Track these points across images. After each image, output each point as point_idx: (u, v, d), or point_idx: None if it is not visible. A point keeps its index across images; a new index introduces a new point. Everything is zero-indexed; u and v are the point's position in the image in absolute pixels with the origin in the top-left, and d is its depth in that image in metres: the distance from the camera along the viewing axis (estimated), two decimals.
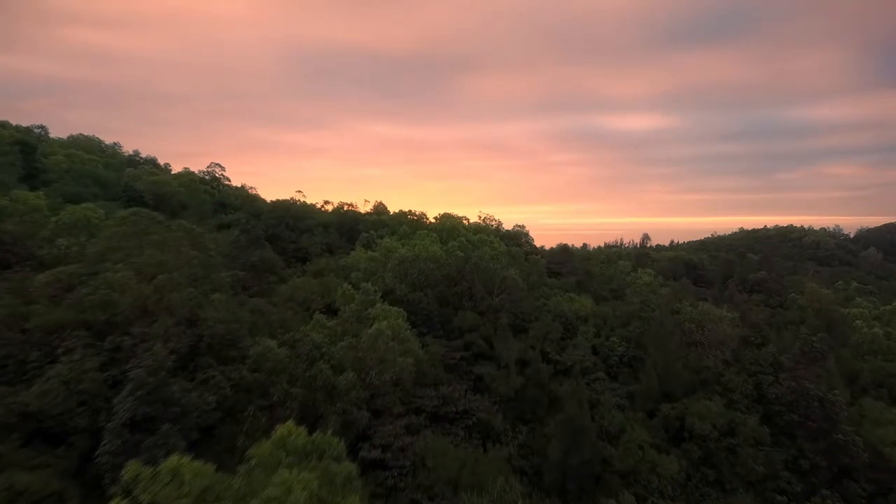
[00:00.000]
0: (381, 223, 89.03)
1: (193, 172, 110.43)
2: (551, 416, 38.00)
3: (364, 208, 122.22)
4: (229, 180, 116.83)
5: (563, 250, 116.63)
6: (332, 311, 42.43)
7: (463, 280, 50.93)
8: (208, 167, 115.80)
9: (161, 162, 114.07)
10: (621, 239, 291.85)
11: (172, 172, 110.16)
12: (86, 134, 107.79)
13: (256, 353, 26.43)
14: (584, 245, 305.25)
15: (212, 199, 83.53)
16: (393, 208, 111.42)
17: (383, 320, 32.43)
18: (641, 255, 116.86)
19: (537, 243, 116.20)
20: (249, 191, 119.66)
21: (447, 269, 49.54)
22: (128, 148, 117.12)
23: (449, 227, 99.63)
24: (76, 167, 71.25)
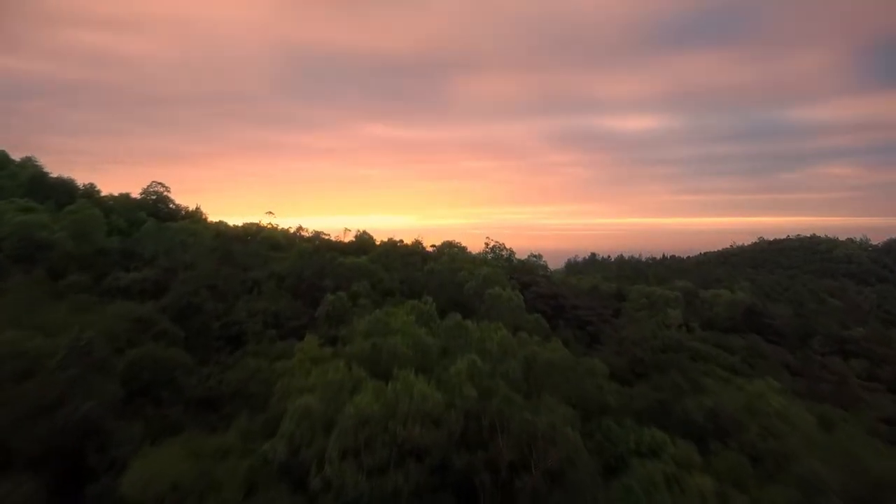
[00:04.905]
0: (359, 270, 66.23)
1: (124, 197, 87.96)
2: None
3: (345, 235, 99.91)
4: (174, 203, 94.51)
5: (593, 293, 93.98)
6: None
7: (478, 438, 28.07)
8: (149, 186, 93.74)
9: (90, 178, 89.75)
10: (641, 254, 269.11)
11: (102, 195, 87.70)
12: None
13: None
14: (593, 255, 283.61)
15: (121, 245, 60.39)
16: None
17: None
18: (691, 295, 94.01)
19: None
20: (204, 218, 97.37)
21: (449, 426, 26.65)
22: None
23: (450, 267, 76.96)
24: None
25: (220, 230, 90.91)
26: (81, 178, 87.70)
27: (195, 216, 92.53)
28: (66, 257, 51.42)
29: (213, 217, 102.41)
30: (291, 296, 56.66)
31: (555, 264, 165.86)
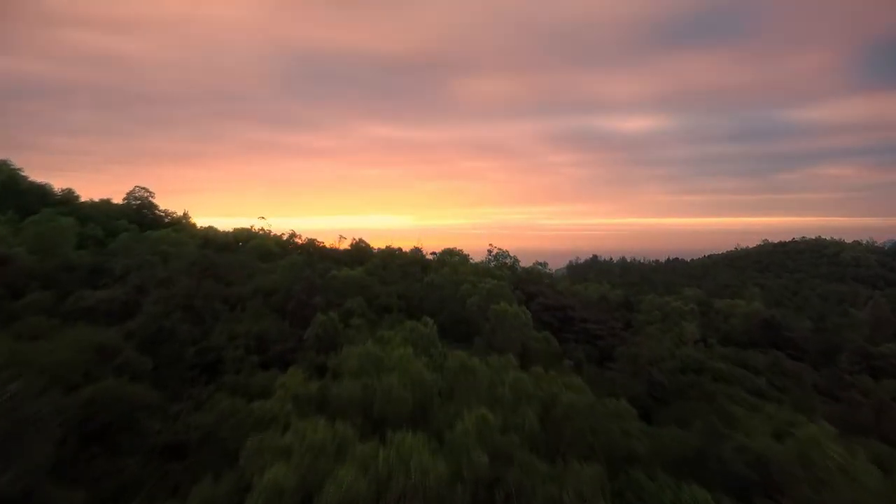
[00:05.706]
0: (354, 284, 61.29)
1: (104, 203, 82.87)
2: None
3: (340, 242, 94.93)
4: (159, 208, 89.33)
5: (601, 303, 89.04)
6: None
7: None
8: (132, 192, 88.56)
9: (75, 187, 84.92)
10: (643, 256, 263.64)
11: (81, 201, 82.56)
12: None
13: None
14: (595, 257, 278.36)
15: (92, 258, 55.33)
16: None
17: None
18: (705, 306, 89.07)
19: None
20: (191, 224, 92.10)
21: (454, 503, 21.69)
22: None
23: (451, 280, 72.02)
24: None
25: (209, 237, 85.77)
26: (81, 180, 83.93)
27: (180, 223, 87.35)
28: (26, 274, 46.43)
29: (209, 219, 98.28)
30: (278, 314, 51.62)
31: (555, 265, 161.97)
